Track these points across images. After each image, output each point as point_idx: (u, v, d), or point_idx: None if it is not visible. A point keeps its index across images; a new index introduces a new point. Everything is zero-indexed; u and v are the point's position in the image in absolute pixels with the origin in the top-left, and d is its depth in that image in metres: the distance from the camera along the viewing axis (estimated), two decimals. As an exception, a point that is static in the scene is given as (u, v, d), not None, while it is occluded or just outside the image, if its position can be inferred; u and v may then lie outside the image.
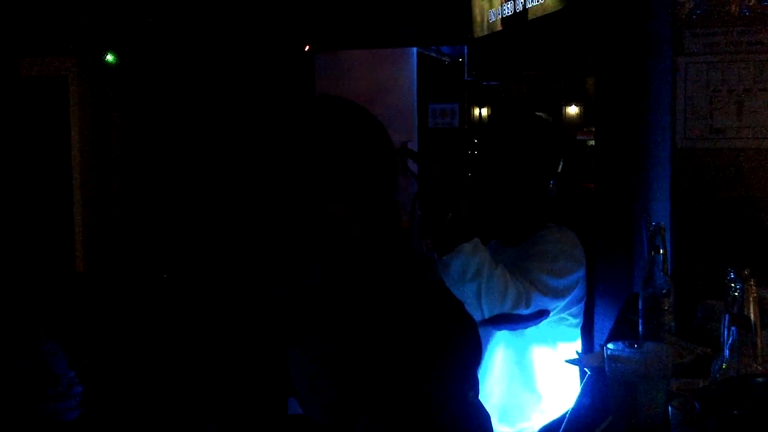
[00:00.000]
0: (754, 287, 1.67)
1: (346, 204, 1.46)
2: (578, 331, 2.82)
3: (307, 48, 8.72)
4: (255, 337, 1.71)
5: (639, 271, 3.06)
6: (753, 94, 2.93)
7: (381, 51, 9.78)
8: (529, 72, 10.70)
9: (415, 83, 10.34)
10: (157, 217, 8.19)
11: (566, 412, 2.14)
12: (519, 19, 8.09)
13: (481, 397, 1.53)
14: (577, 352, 2.60)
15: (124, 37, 8.17)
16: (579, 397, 2.18)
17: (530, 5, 7.87)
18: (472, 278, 2.47)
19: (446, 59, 11.45)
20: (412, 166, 2.73)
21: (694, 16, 2.96)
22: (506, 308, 2.54)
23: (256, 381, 1.68)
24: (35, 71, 8.12)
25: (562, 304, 2.69)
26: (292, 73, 8.24)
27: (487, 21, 8.74)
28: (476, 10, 8.94)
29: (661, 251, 2.29)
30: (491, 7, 8.65)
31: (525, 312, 2.57)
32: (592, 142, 8.46)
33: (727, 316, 1.68)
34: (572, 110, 12.81)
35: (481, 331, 2.12)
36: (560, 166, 2.83)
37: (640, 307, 2.30)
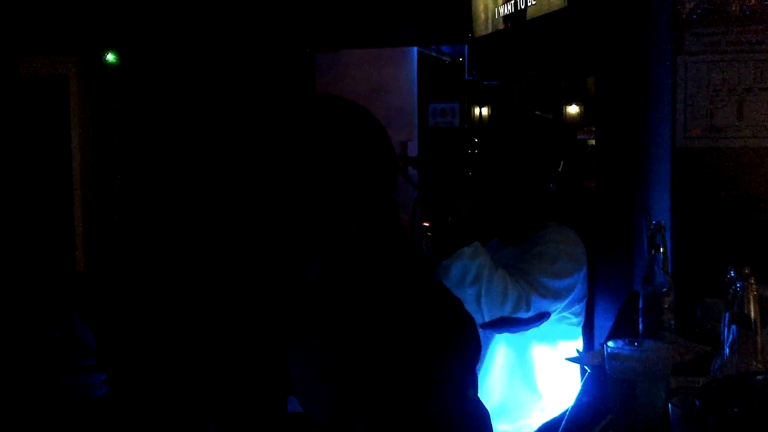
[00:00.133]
0: (754, 285, 1.67)
1: (345, 204, 1.47)
2: (579, 329, 2.82)
3: (307, 50, 8.72)
4: (255, 335, 1.71)
5: (639, 270, 3.07)
6: (753, 93, 2.94)
7: (381, 50, 9.78)
8: (529, 71, 10.69)
9: (416, 82, 10.34)
10: (158, 216, 8.19)
11: (566, 410, 2.14)
12: (519, 18, 8.10)
13: (481, 395, 1.53)
14: (577, 351, 2.60)
15: (125, 36, 8.17)
16: (579, 395, 2.18)
17: (530, 4, 7.88)
18: (472, 282, 2.48)
19: (446, 59, 11.45)
20: (412, 170, 2.73)
21: (694, 16, 2.96)
22: (506, 311, 2.54)
23: (256, 379, 1.68)
24: (36, 71, 8.13)
25: (563, 304, 2.69)
26: (293, 73, 8.24)
27: (488, 20, 8.75)
28: (476, 10, 8.94)
29: (662, 250, 2.30)
30: (492, 6, 8.65)
31: (525, 315, 2.58)
32: (593, 142, 8.48)
33: (727, 314, 1.69)
34: (573, 109, 12.81)
35: (482, 332, 2.12)
36: (561, 166, 2.83)
37: (640, 306, 2.30)
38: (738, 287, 1.67)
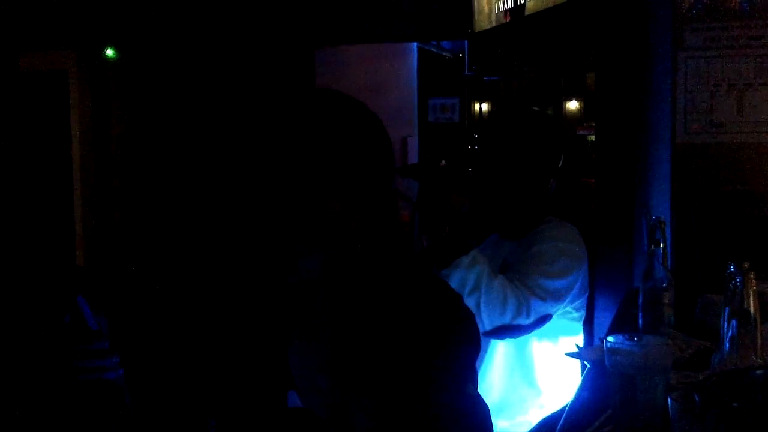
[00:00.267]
0: (754, 280, 1.67)
1: (342, 199, 1.47)
2: (580, 324, 2.81)
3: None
4: (255, 331, 1.71)
5: (639, 266, 3.06)
6: (754, 88, 2.93)
7: (381, 46, 9.77)
8: (529, 67, 10.69)
9: (416, 78, 10.33)
10: (157, 211, 8.19)
11: (565, 406, 2.14)
12: (519, 13, 8.10)
13: (480, 392, 1.53)
14: (577, 346, 2.60)
15: (124, 32, 8.16)
16: (578, 390, 2.19)
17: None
18: (471, 292, 2.48)
19: (446, 54, 11.45)
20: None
21: (694, 11, 2.96)
22: (507, 320, 2.54)
23: (256, 374, 1.68)
24: (35, 66, 8.12)
25: (563, 304, 2.68)
26: (292, 68, 8.24)
27: (488, 15, 8.74)
28: (477, 5, 8.93)
29: (661, 245, 2.30)
30: (492, 1, 8.65)
31: (526, 322, 2.57)
32: (593, 138, 8.47)
33: (726, 309, 1.69)
34: (572, 105, 12.82)
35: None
36: (561, 161, 2.83)
37: (640, 301, 2.30)
38: (738, 282, 1.67)
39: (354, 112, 1.54)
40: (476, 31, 8.96)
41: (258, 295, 1.68)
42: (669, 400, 1.40)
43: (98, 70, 8.36)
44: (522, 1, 7.99)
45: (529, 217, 2.78)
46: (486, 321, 2.51)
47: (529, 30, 8.18)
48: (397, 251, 1.57)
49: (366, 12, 8.49)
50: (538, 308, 2.59)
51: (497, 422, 2.68)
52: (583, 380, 2.25)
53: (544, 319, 2.63)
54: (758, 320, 1.67)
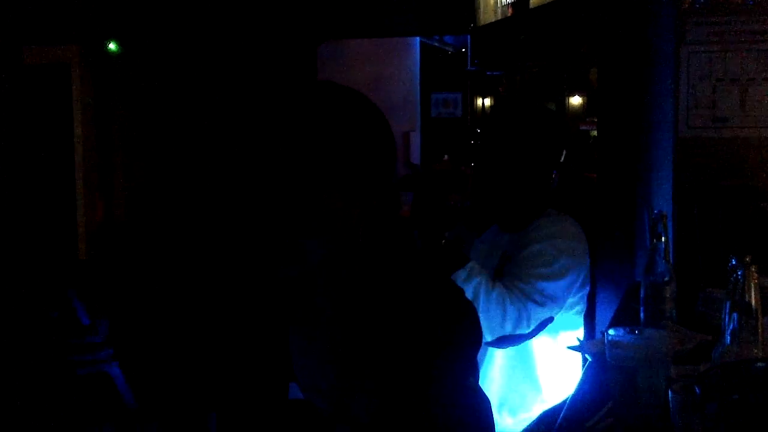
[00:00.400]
0: (755, 274, 1.67)
1: (343, 191, 1.47)
2: (581, 318, 2.80)
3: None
4: (256, 324, 1.72)
5: (641, 260, 3.07)
6: (756, 83, 2.93)
7: (384, 41, 9.78)
8: (532, 62, 10.67)
9: (418, 73, 10.34)
10: (159, 204, 8.20)
11: (566, 399, 2.14)
12: (522, 6, 8.09)
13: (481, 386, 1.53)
14: (578, 339, 2.60)
15: (127, 25, 8.17)
16: (580, 383, 2.19)
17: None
18: None
19: (449, 49, 11.45)
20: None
21: (697, 5, 2.96)
22: (507, 331, 2.53)
23: (257, 366, 1.69)
24: (39, 59, 8.13)
25: (564, 306, 2.67)
26: (294, 63, 8.23)
27: (492, 9, 8.73)
28: (479, -1, 8.93)
29: (663, 239, 2.29)
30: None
31: (527, 331, 2.57)
32: (595, 133, 8.47)
33: (728, 302, 1.69)
34: (575, 100, 12.79)
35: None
36: (563, 156, 2.82)
37: (641, 295, 2.30)
38: (739, 275, 1.67)
39: (356, 103, 1.54)
40: (479, 24, 8.94)
41: (259, 289, 1.69)
42: (670, 392, 1.41)
43: (101, 64, 8.36)
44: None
45: (528, 209, 2.77)
46: (486, 333, 2.49)
47: (533, 24, 8.17)
48: (399, 245, 1.57)
49: (368, 6, 8.48)
50: (539, 315, 2.58)
51: (500, 419, 2.68)
52: (584, 373, 2.25)
53: (546, 323, 2.62)
54: (759, 313, 1.67)
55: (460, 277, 2.48)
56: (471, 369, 1.53)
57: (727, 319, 1.69)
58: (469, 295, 2.45)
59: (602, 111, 3.50)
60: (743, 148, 2.94)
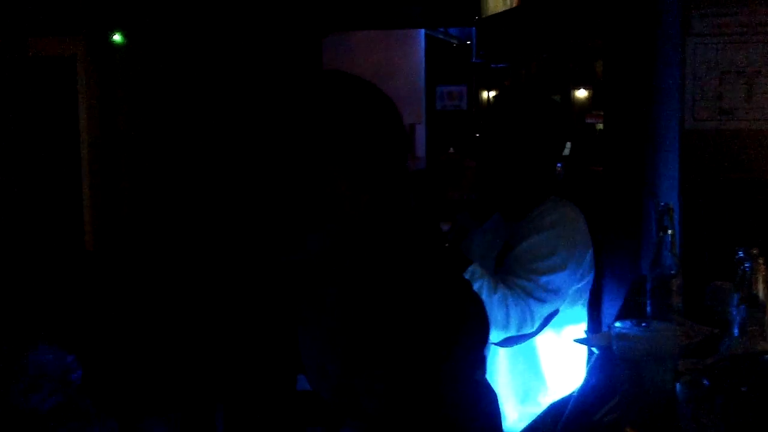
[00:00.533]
0: (763, 266, 1.67)
1: (350, 177, 1.47)
2: (585, 312, 2.80)
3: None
4: (263, 316, 1.72)
5: (647, 254, 3.07)
6: (763, 75, 2.92)
7: (389, 33, 9.77)
8: (537, 54, 10.66)
9: (423, 66, 10.32)
10: (165, 195, 8.21)
11: (573, 392, 2.14)
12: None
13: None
14: (585, 332, 2.60)
15: (132, 17, 8.16)
16: (586, 377, 2.19)
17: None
18: None
19: (454, 42, 11.43)
20: None
21: (703, -3, 2.95)
22: (512, 332, 2.53)
23: (265, 359, 1.69)
24: (44, 51, 8.13)
25: (567, 298, 2.67)
26: (299, 55, 8.23)
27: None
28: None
29: (670, 232, 2.29)
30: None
31: (531, 330, 2.57)
32: (601, 126, 8.45)
33: (736, 295, 1.69)
34: (581, 93, 12.77)
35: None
36: (568, 150, 2.81)
37: (648, 288, 2.29)
38: (747, 268, 1.67)
39: (363, 90, 1.54)
40: (485, 15, 8.93)
41: (265, 280, 1.69)
42: (677, 385, 1.40)
43: (106, 56, 8.37)
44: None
45: (529, 198, 2.76)
46: (491, 336, 2.49)
47: (539, 14, 8.16)
48: (408, 234, 1.57)
49: (373, -2, 8.48)
50: (542, 312, 2.57)
51: (505, 412, 2.68)
52: (590, 367, 2.25)
53: (551, 317, 2.62)
54: (767, 305, 1.67)
55: None
56: (478, 362, 1.53)
57: (734, 312, 1.69)
58: None
59: (608, 103, 3.50)
60: (749, 141, 2.93)
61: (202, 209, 7.64)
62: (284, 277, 1.59)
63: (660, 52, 3.15)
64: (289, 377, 1.65)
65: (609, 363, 1.92)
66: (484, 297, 2.45)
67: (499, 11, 8.69)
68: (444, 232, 2.94)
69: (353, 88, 1.53)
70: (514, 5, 8.35)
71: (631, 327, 1.66)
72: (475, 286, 2.47)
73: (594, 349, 2.32)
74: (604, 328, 2.95)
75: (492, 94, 12.48)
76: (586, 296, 2.78)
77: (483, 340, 1.56)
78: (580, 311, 2.78)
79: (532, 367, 2.74)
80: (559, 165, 2.78)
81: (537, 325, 2.57)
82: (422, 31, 10.19)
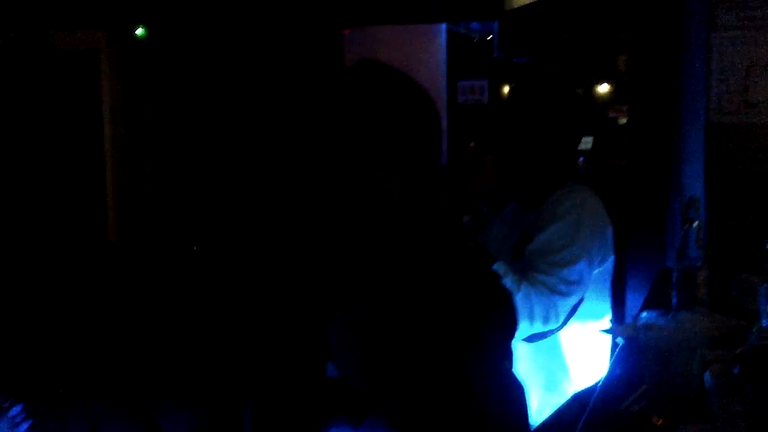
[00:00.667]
0: (791, 256, 1.67)
1: (385, 163, 1.48)
2: (608, 304, 2.79)
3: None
4: (294, 303, 1.73)
5: (672, 246, 3.06)
6: (789, 68, 2.91)
7: (410, 28, 9.75)
8: (559, 48, 10.62)
9: (445, 60, 10.30)
10: (187, 186, 8.24)
11: (598, 382, 2.15)
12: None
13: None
14: (610, 322, 2.60)
15: (154, 11, 8.20)
16: (611, 367, 2.19)
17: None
18: None
19: (475, 36, 11.39)
20: None
21: (729, -10, 2.94)
22: (536, 330, 2.53)
23: (295, 346, 1.70)
24: (67, 45, 8.18)
25: (589, 285, 2.66)
26: (321, 49, 8.24)
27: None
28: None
29: (695, 223, 2.28)
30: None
31: (556, 326, 2.57)
32: (624, 120, 8.42)
33: (764, 285, 1.69)
34: (603, 88, 12.72)
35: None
36: (591, 144, 2.81)
37: (673, 280, 2.29)
38: (775, 258, 1.67)
39: (402, 80, 1.55)
40: (508, 8, 8.90)
41: (294, 268, 1.70)
42: (706, 374, 1.41)
43: (129, 50, 8.41)
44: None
45: (545, 186, 2.75)
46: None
47: (564, 7, 8.12)
48: (439, 226, 1.58)
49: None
50: (565, 306, 2.56)
51: (529, 401, 2.68)
52: (615, 357, 2.25)
53: (575, 308, 2.62)
54: (795, 296, 1.67)
55: None
56: (505, 353, 1.54)
57: (763, 302, 1.69)
58: None
59: (633, 97, 3.49)
60: (776, 134, 2.92)
61: (225, 199, 7.67)
62: (314, 265, 1.60)
63: (685, 45, 3.15)
64: (318, 364, 1.66)
65: (634, 353, 1.92)
66: None
67: (524, 3, 8.65)
68: (466, 225, 2.94)
69: (392, 77, 1.55)
70: (527, 3, 8.31)
71: (658, 317, 1.67)
72: None
73: (618, 340, 2.32)
74: (628, 320, 2.95)
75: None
76: (608, 284, 2.78)
77: (511, 331, 1.57)
78: (604, 304, 2.77)
79: (555, 358, 2.74)
80: (581, 159, 2.78)
81: (562, 319, 2.57)
82: (444, 25, 10.17)
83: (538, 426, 2.54)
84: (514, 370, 1.58)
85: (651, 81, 3.31)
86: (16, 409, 2.04)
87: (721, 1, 2.94)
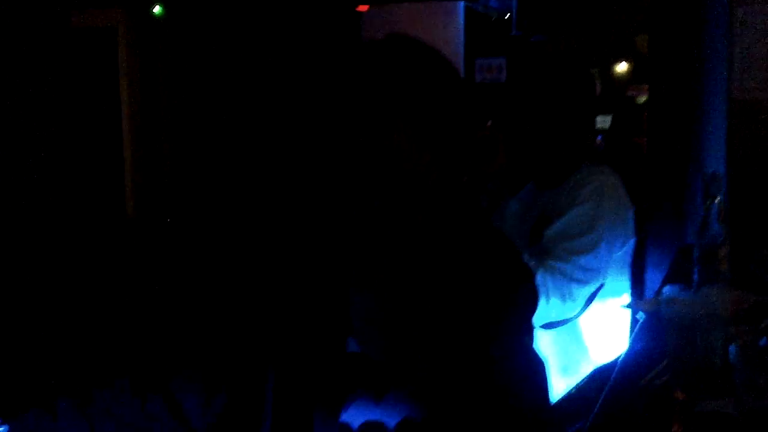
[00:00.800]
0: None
1: (412, 134, 1.48)
2: (627, 283, 2.78)
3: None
4: (316, 278, 1.73)
5: (693, 222, 3.04)
6: (813, 44, 2.89)
7: (428, 4, 9.72)
8: (577, 28, 10.57)
9: (462, 38, 10.27)
10: (205, 163, 8.26)
11: (618, 357, 2.14)
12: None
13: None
14: (630, 296, 2.59)
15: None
16: (632, 342, 2.19)
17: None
18: None
19: (493, 14, 11.35)
20: None
21: (753, -36, 2.91)
22: (552, 317, 2.53)
23: (316, 321, 1.70)
24: (85, 23, 8.19)
25: (608, 272, 2.64)
26: (338, 27, 8.22)
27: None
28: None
29: (717, 199, 2.27)
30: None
31: (574, 313, 2.56)
32: (642, 98, 8.38)
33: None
34: (621, 67, 12.67)
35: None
36: (609, 122, 2.80)
37: (695, 256, 2.28)
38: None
39: (430, 56, 1.55)
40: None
41: (316, 244, 1.70)
42: (731, 347, 1.40)
43: (147, 27, 8.42)
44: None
45: (562, 164, 2.73)
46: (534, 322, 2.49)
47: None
48: (464, 200, 1.58)
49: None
50: (584, 293, 2.56)
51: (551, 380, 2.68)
52: (636, 332, 2.24)
53: (595, 293, 2.60)
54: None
55: None
56: (526, 329, 1.55)
57: (786, 277, 1.68)
58: None
59: (654, 74, 3.46)
60: (798, 110, 2.90)
61: (246, 177, 7.69)
62: (337, 239, 1.60)
63: (707, 20, 3.12)
64: (339, 339, 1.66)
65: (655, 328, 1.92)
66: None
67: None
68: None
69: (421, 51, 1.55)
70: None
71: (680, 291, 1.67)
72: None
73: (639, 316, 2.31)
74: (648, 295, 2.94)
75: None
76: (628, 267, 2.77)
77: (532, 308, 1.57)
78: (624, 282, 2.77)
79: (574, 340, 2.73)
80: (599, 137, 2.77)
81: (580, 306, 2.56)
82: (461, 3, 10.13)
83: (558, 401, 2.54)
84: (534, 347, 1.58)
85: (671, 57, 3.28)
86: None
87: (744, -25, 2.92)
